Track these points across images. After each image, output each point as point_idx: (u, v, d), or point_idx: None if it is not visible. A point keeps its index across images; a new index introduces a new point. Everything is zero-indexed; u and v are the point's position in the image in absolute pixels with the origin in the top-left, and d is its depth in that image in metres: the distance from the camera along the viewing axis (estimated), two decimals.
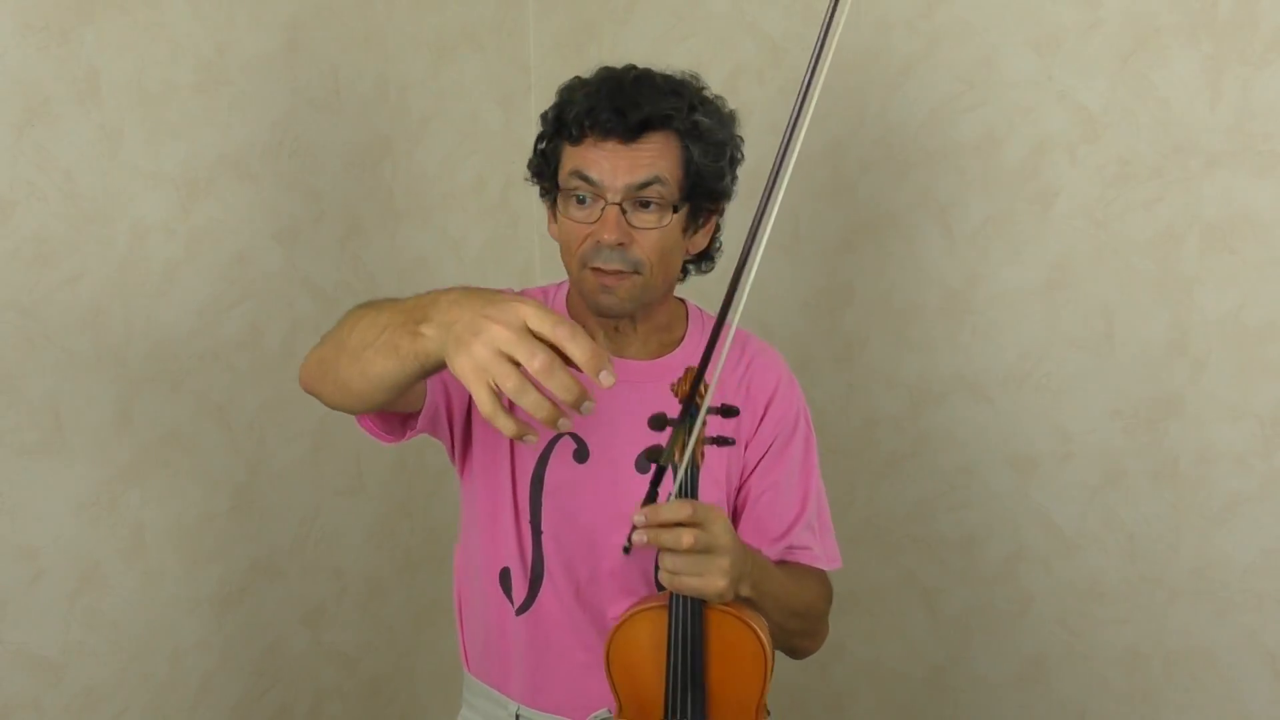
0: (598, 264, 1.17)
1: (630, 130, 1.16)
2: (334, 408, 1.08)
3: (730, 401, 1.19)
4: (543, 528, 1.24)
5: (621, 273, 1.17)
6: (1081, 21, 1.64)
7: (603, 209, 1.16)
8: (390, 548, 2.04)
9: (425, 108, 2.00)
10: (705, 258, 1.31)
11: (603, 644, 1.16)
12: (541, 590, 1.25)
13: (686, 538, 1.01)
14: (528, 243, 2.28)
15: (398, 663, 2.09)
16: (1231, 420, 1.58)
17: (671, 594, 1.08)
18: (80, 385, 1.50)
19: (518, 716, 1.28)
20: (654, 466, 1.05)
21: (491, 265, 2.18)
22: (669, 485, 1.06)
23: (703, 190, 1.21)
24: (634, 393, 1.22)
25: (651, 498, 1.04)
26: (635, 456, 1.24)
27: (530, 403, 0.82)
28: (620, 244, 1.16)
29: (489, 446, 1.26)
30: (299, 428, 1.82)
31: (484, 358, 0.82)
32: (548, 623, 1.26)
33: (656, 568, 1.19)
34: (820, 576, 1.28)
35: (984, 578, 1.82)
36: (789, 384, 1.31)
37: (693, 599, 1.07)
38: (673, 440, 1.03)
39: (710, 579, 1.04)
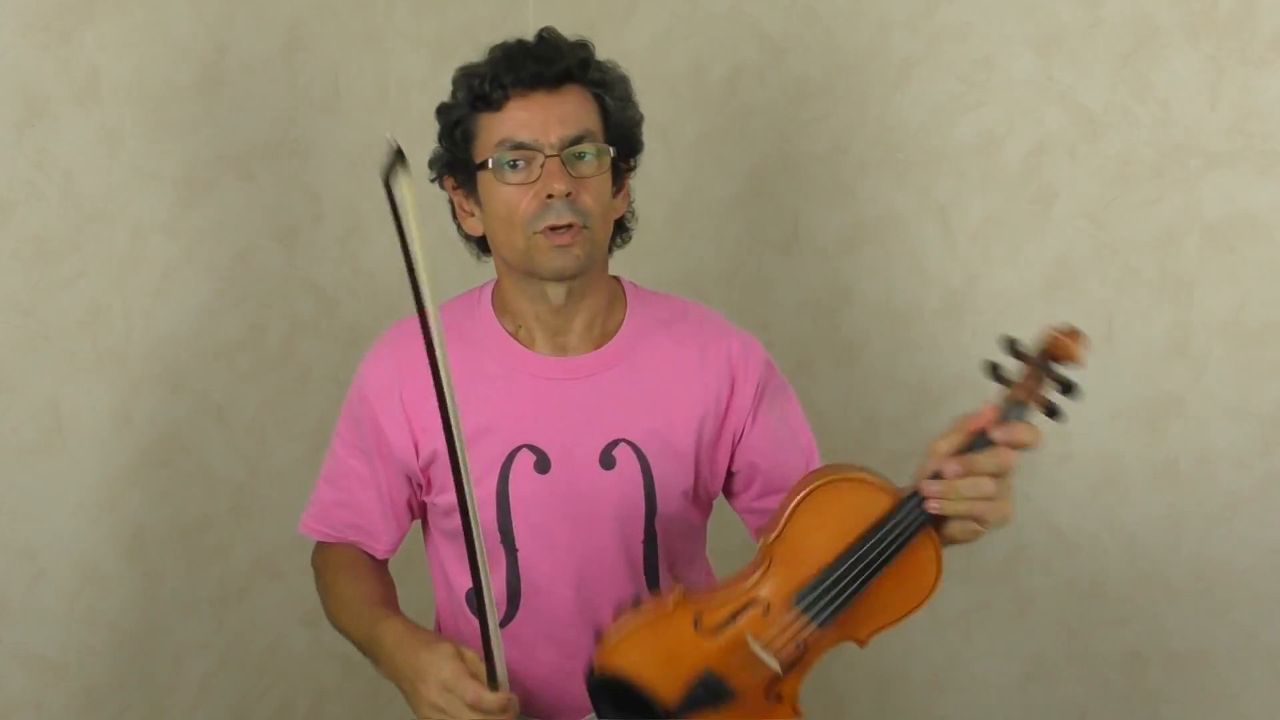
0: (549, 221, 1.14)
1: (554, 79, 1.16)
2: None
3: (690, 378, 1.23)
4: (517, 545, 1.21)
5: (574, 226, 1.14)
6: (1081, 21, 1.63)
7: (542, 165, 1.15)
8: None
9: (425, 108, 1.99)
10: (621, 227, 1.28)
11: (589, 646, 1.12)
12: (520, 609, 1.23)
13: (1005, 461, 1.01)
14: None
15: None
16: (1231, 420, 1.58)
17: (902, 492, 1.03)
18: (80, 385, 1.50)
19: None
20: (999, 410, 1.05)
21: (489, 264, 2.17)
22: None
23: (623, 142, 1.22)
24: (582, 387, 1.20)
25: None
26: (598, 453, 1.20)
27: None
28: (568, 193, 1.14)
29: (447, 474, 1.20)
30: (299, 428, 1.82)
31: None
32: (525, 638, 1.23)
33: (649, 555, 1.21)
34: None
35: (984, 578, 1.82)
36: (745, 342, 1.28)
37: (921, 512, 1.02)
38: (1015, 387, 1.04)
39: (1007, 506, 1.01)
